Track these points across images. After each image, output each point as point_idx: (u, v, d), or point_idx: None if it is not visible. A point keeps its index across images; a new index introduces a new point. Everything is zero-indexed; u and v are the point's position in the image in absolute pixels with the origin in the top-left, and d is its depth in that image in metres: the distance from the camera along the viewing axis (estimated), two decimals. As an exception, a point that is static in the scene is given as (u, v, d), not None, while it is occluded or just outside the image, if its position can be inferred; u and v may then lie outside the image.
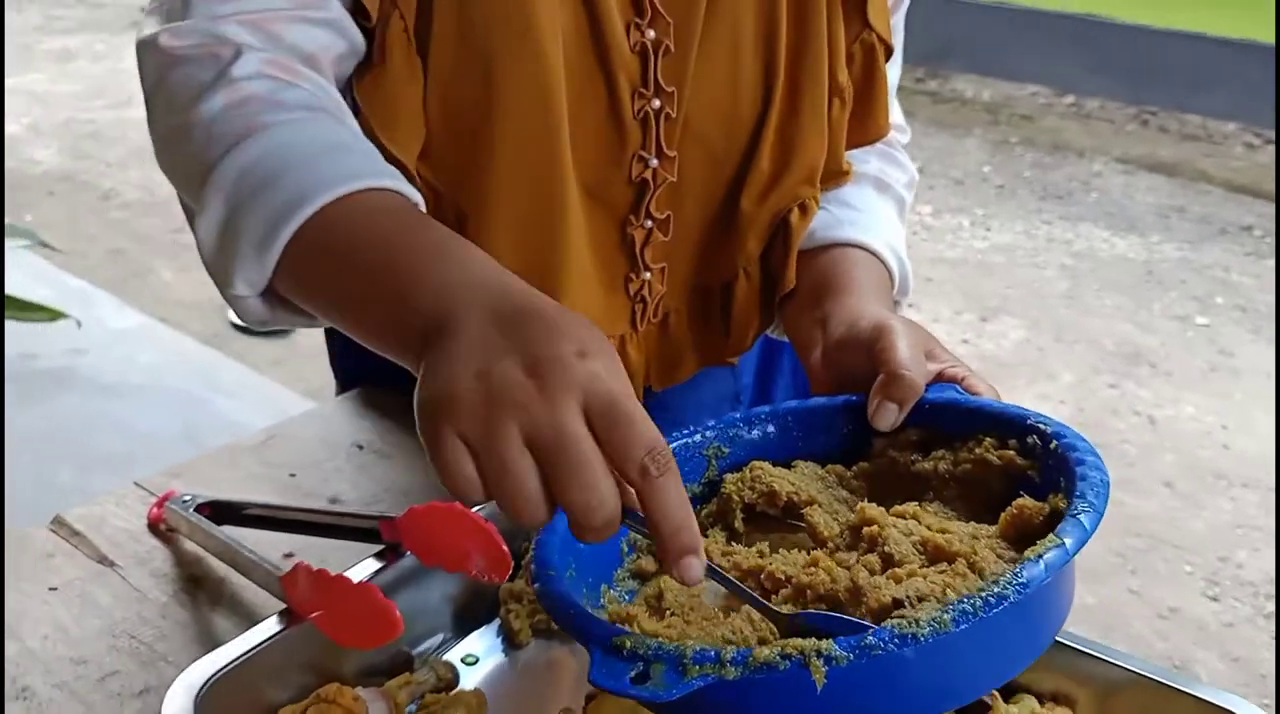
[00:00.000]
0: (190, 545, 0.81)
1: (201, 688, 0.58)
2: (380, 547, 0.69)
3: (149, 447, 2.12)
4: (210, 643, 0.69)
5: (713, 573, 0.50)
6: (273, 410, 2.28)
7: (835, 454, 0.64)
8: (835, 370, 0.71)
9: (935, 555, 0.53)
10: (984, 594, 0.46)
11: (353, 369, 1.01)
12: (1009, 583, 0.47)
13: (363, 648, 0.62)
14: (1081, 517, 0.50)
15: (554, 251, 0.76)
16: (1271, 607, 2.05)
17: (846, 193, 0.86)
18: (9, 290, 2.04)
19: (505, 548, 0.63)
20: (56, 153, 4.10)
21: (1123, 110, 4.52)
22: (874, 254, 0.82)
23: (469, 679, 0.69)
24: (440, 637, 0.72)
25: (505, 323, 0.48)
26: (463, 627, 0.73)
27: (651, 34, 0.73)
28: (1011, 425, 0.60)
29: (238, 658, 0.60)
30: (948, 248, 3.46)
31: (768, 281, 0.85)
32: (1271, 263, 3.36)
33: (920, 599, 0.49)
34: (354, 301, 0.56)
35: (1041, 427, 0.58)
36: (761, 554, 0.57)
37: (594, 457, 0.45)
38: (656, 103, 0.75)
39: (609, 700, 0.62)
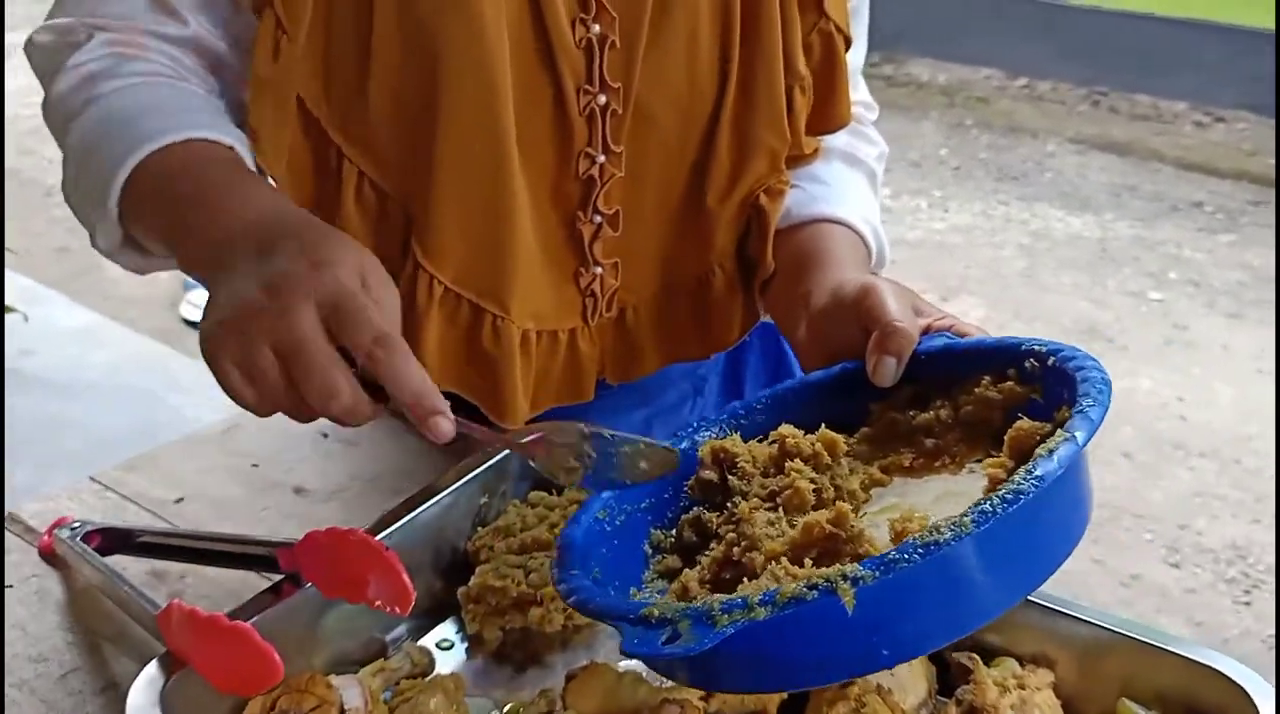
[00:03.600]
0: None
1: (166, 682, 0.56)
2: (279, 577, 0.64)
3: (107, 444, 2.06)
4: (175, 636, 0.67)
5: (462, 426, 0.54)
6: (232, 407, 2.22)
7: (835, 426, 0.63)
8: (823, 340, 0.71)
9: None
10: (1002, 494, 0.46)
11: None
12: (1024, 479, 0.46)
13: (242, 695, 0.57)
14: (1089, 411, 0.51)
15: (502, 247, 0.75)
16: (1233, 572, 2.09)
17: (817, 168, 0.85)
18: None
19: (406, 578, 0.57)
20: (-2, 149, 3.98)
21: (1074, 92, 4.56)
22: (849, 227, 0.81)
23: (445, 664, 0.68)
24: (414, 622, 0.70)
25: (264, 250, 0.55)
26: (437, 611, 0.71)
27: (596, 29, 0.73)
28: (1007, 356, 0.60)
29: (204, 649, 0.58)
30: (907, 229, 3.48)
31: (747, 274, 0.84)
32: (1222, 238, 3.42)
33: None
34: (174, 239, 0.63)
35: (1036, 349, 0.59)
36: (771, 523, 0.57)
37: (324, 354, 0.51)
38: (603, 98, 0.74)
39: (589, 679, 0.61)
